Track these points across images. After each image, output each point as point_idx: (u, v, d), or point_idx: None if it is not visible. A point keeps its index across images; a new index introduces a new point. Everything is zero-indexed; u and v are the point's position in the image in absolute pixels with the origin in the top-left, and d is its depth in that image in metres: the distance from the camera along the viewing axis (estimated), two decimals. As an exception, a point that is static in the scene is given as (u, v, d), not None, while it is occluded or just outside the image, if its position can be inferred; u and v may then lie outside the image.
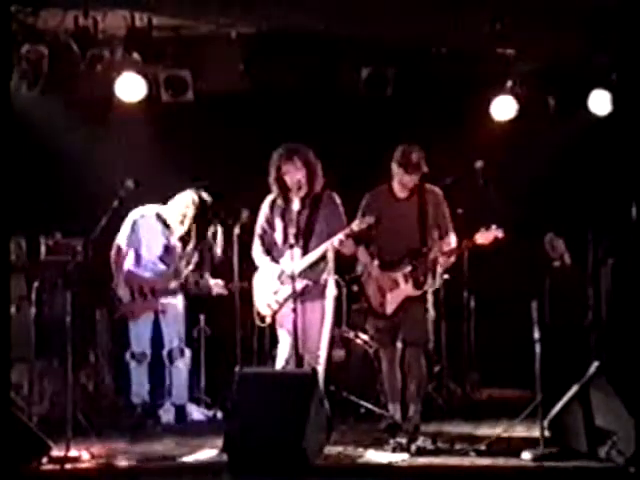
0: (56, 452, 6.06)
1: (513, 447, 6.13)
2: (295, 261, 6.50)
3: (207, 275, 7.49)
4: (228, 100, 8.33)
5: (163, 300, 7.43)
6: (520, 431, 6.45)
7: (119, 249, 7.41)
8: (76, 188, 8.19)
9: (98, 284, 7.51)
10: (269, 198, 6.85)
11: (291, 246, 6.50)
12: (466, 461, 5.98)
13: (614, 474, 5.65)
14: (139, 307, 7.40)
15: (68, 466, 5.97)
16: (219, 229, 7.43)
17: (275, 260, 6.77)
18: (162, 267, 7.48)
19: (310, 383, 5.96)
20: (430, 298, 6.71)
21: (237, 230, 7.11)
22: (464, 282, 8.28)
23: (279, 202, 6.77)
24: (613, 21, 7.31)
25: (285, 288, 6.59)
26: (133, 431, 7.05)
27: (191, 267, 7.45)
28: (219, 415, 7.60)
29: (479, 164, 7.80)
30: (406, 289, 6.68)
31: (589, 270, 7.89)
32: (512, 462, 5.92)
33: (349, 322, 7.73)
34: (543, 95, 8.44)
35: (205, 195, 7.43)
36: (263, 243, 6.84)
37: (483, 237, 6.58)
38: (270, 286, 6.73)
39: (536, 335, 6.08)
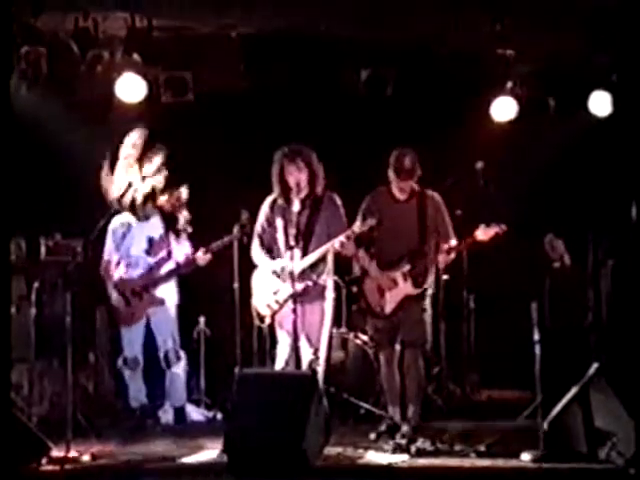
0: (56, 453, 6.07)
1: (513, 448, 6.13)
2: (295, 262, 6.51)
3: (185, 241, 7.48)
4: (228, 101, 8.33)
5: (151, 309, 7.40)
6: (520, 432, 6.45)
7: (107, 262, 7.43)
8: (76, 189, 8.18)
9: (98, 285, 7.51)
10: (270, 198, 6.86)
11: (291, 247, 6.51)
12: (466, 462, 5.99)
13: (614, 475, 5.65)
14: (136, 308, 7.38)
15: (68, 467, 5.98)
16: (183, 190, 7.43)
17: (275, 260, 6.76)
18: (150, 260, 7.46)
19: (310, 384, 5.96)
20: (428, 297, 6.73)
21: (236, 231, 7.14)
22: (464, 283, 8.29)
23: (280, 202, 6.78)
24: (613, 22, 7.31)
25: (285, 288, 6.59)
26: (133, 432, 7.05)
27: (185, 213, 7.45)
28: (219, 416, 7.60)
29: (479, 165, 7.81)
30: (405, 288, 6.68)
31: (589, 271, 7.89)
32: (512, 463, 5.93)
33: (348, 323, 7.73)
34: (543, 96, 8.44)
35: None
36: (262, 242, 6.85)
37: (483, 233, 6.59)
38: (270, 286, 6.73)
39: (536, 336, 6.08)
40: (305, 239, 6.64)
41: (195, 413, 7.60)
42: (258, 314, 6.81)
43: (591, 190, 8.41)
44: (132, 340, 7.41)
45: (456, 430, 6.88)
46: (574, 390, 6.01)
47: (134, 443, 6.74)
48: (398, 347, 6.76)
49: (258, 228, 6.89)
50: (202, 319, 7.98)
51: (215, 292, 8.12)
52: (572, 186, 8.56)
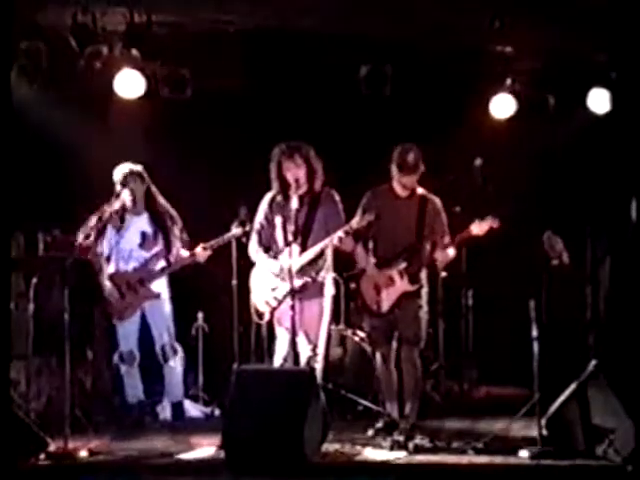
0: (54, 448, 6.07)
1: (510, 445, 6.14)
2: (293, 258, 6.51)
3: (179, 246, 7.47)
4: (226, 97, 8.32)
5: (146, 302, 7.40)
6: (518, 429, 6.46)
7: (99, 256, 7.40)
8: (75, 184, 8.18)
9: (95, 280, 7.50)
10: (269, 195, 6.85)
11: (289, 243, 6.50)
12: (464, 459, 5.99)
13: (611, 473, 5.66)
14: (132, 301, 7.37)
15: (65, 462, 5.98)
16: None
17: (273, 257, 6.77)
18: (145, 254, 7.45)
19: (308, 381, 5.96)
20: (424, 295, 6.73)
21: (235, 227, 7.14)
22: (462, 280, 8.30)
23: (278, 199, 6.77)
24: (612, 19, 7.30)
25: (283, 285, 6.59)
26: (130, 428, 7.05)
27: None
28: (217, 412, 7.59)
29: (478, 162, 7.83)
30: (402, 285, 6.68)
31: (587, 269, 7.89)
32: (510, 460, 5.93)
33: (347, 320, 7.73)
34: (542, 93, 8.43)
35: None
36: (260, 239, 6.85)
37: (478, 228, 6.59)
38: (268, 283, 6.73)
39: (534, 333, 6.08)
40: (303, 235, 6.64)
41: (193, 409, 7.60)
42: (256, 311, 6.81)
43: (590, 188, 8.40)
44: (127, 334, 7.40)
45: (454, 428, 6.89)
46: (572, 387, 6.02)
47: (132, 439, 6.74)
48: (395, 344, 6.76)
49: (256, 225, 6.89)
50: (200, 315, 7.98)
51: (213, 288, 8.12)
52: (571, 183, 8.56)
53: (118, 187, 7.34)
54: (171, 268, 7.43)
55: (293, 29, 7.90)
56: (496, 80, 8.29)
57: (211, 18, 7.73)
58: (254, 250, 6.86)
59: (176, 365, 7.46)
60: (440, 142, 7.89)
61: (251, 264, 6.92)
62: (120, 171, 7.36)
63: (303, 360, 6.52)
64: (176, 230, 7.45)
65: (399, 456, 6.08)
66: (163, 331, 7.42)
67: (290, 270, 6.43)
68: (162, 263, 7.43)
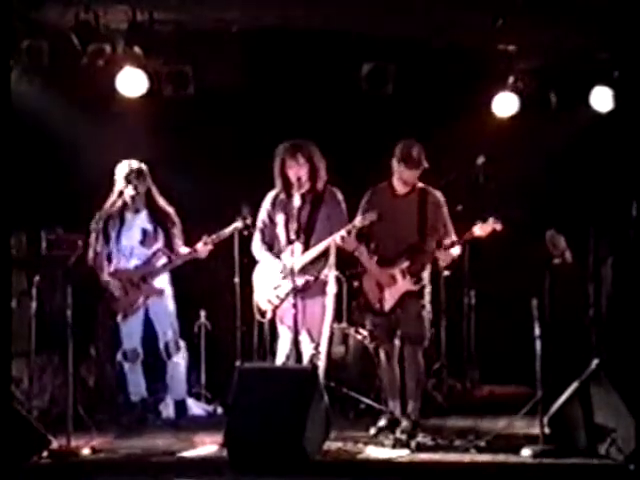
0: (56, 446, 6.07)
1: (513, 444, 6.14)
2: (296, 257, 6.51)
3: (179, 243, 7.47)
4: (229, 95, 8.32)
5: (149, 299, 7.39)
6: (520, 428, 6.46)
7: (97, 255, 7.39)
8: (77, 183, 8.18)
9: (99, 278, 7.50)
10: (272, 193, 6.86)
11: (292, 242, 6.51)
12: (466, 457, 6.00)
13: (613, 471, 5.66)
14: (135, 298, 7.36)
15: (68, 460, 5.99)
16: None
17: (276, 255, 6.77)
18: (146, 251, 7.45)
19: (310, 379, 5.97)
20: (427, 294, 6.73)
21: (238, 224, 7.13)
22: (465, 279, 8.29)
23: (281, 197, 6.78)
24: (615, 17, 7.29)
25: (286, 283, 6.59)
26: (133, 426, 7.06)
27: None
28: (219, 410, 7.60)
29: (480, 160, 7.82)
30: (404, 284, 6.67)
31: (590, 267, 7.88)
32: (512, 459, 5.94)
33: (349, 318, 7.73)
34: (545, 91, 8.42)
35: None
36: (263, 237, 6.85)
37: (481, 230, 6.58)
38: (271, 281, 6.74)
39: (536, 332, 6.08)
40: (306, 234, 6.64)
41: (196, 407, 7.60)
42: (259, 309, 6.81)
43: (592, 186, 8.40)
44: (131, 331, 7.40)
45: (456, 426, 6.89)
46: (574, 386, 6.02)
47: (134, 437, 6.75)
48: (398, 343, 6.76)
49: (259, 223, 6.89)
50: (203, 313, 7.99)
51: (216, 286, 8.12)
52: (573, 182, 8.55)
53: (121, 184, 7.34)
54: (172, 264, 7.42)
55: (295, 27, 7.90)
56: (499, 78, 8.28)
57: (213, 16, 7.72)
58: (257, 248, 6.86)
59: (179, 361, 7.46)
60: (442, 140, 7.88)
61: (254, 262, 6.92)
62: (123, 168, 7.35)
63: (305, 358, 6.53)
64: (175, 229, 7.44)
65: (401, 454, 6.09)
66: (167, 328, 7.42)
67: (292, 268, 6.43)
68: (163, 259, 7.43)
